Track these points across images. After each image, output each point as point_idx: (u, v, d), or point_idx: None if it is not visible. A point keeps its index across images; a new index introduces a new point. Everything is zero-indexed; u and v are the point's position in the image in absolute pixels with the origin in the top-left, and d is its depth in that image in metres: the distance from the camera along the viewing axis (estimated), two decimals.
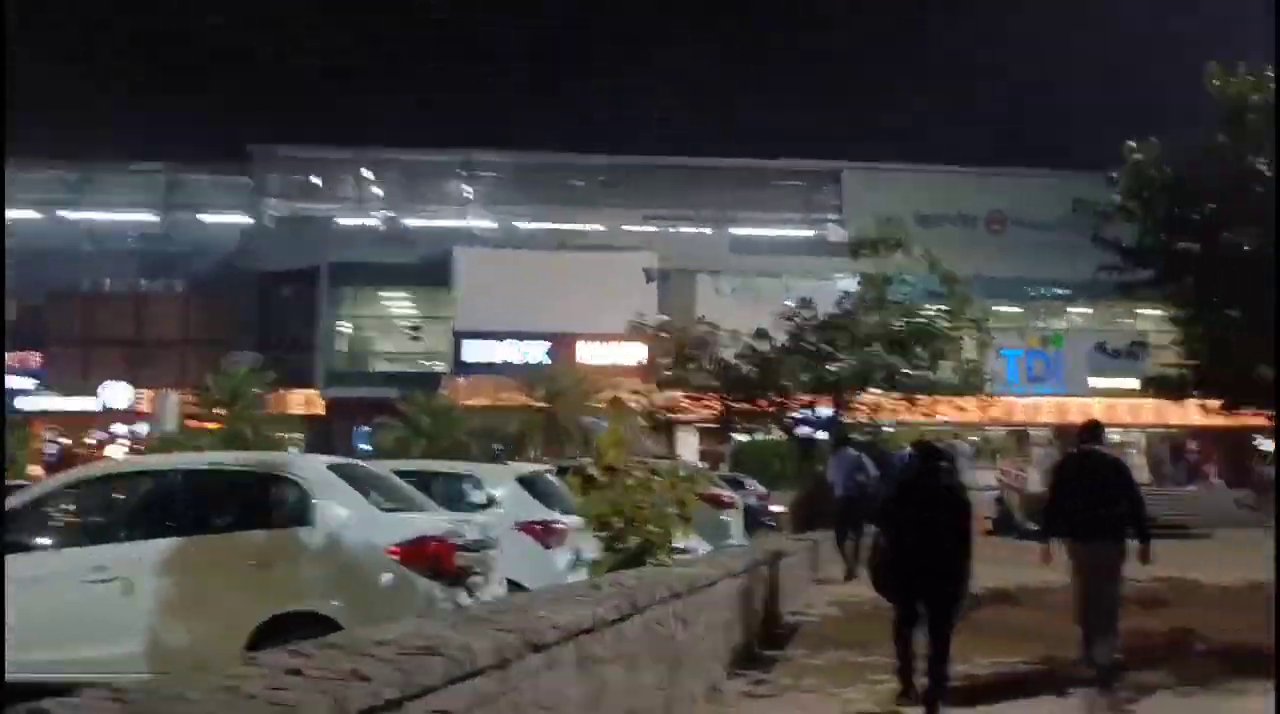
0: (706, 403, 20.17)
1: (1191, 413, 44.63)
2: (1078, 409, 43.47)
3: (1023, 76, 67.81)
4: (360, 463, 8.50)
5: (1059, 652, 9.13)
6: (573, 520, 8.62)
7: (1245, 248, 12.53)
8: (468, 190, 47.14)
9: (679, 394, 19.88)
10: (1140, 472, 40.73)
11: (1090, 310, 46.69)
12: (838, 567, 15.77)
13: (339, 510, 6.78)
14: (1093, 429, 9.09)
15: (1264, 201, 12.21)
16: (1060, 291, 44.69)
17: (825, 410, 20.15)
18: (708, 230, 47.97)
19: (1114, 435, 45.84)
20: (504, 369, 39.90)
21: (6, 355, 34.47)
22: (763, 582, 9.96)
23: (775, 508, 28.19)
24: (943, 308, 19.24)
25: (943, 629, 7.02)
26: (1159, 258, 14.10)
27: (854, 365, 18.98)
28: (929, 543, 7.07)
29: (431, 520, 7.25)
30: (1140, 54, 65.51)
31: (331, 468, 7.27)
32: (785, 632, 10.37)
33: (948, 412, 40.71)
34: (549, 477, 10.44)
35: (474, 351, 41.32)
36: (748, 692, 7.55)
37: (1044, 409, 42.38)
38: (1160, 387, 15.09)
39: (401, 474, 8.67)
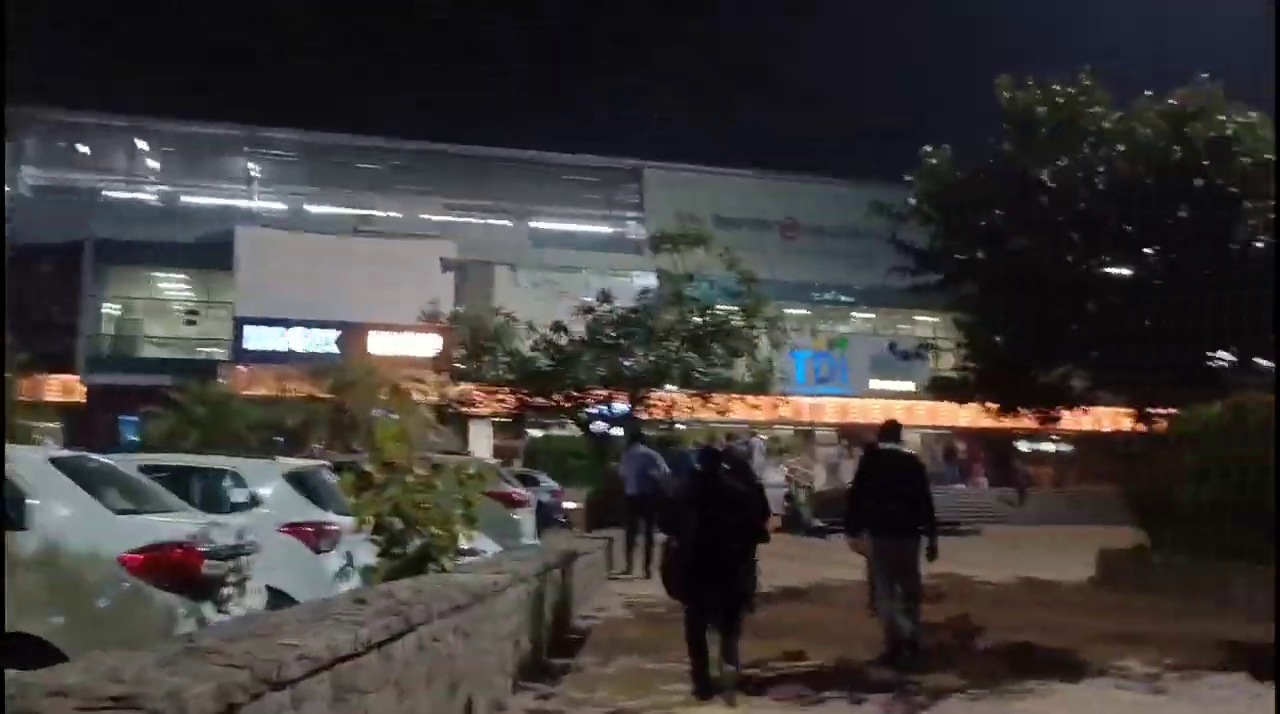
0: (501, 397, 19.43)
1: (961, 415, 47.41)
2: (859, 410, 45.27)
3: (823, 86, 70.02)
4: (94, 456, 7.36)
5: (853, 650, 9.02)
6: (348, 522, 7.78)
7: (1026, 255, 12.93)
8: (253, 168, 44.41)
9: (473, 388, 19.05)
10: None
11: (873, 315, 48.62)
12: (631, 566, 15.43)
13: (59, 511, 5.75)
14: (892, 428, 9.50)
15: (1046, 212, 12.69)
16: (846, 297, 46.41)
17: (622, 406, 19.78)
18: (508, 222, 47.11)
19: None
20: (290, 358, 37.78)
21: None
22: (554, 585, 9.39)
23: (569, 505, 27.78)
24: (739, 306, 19.20)
25: (732, 626, 7.24)
26: (948, 262, 14.42)
27: (651, 361, 18.68)
28: (716, 543, 7.22)
29: (174, 524, 6.29)
30: (944, 67, 68.91)
31: (54, 461, 6.19)
32: (577, 638, 9.84)
33: (741, 410, 41.66)
34: (323, 473, 9.47)
35: (257, 339, 39.04)
36: (534, 709, 6.95)
37: (829, 409, 43.74)
38: (943, 388, 15.47)
39: (151, 470, 7.63)
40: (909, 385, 46.58)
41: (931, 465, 38.46)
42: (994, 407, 15.97)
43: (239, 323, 38.91)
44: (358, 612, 4.65)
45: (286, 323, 39.04)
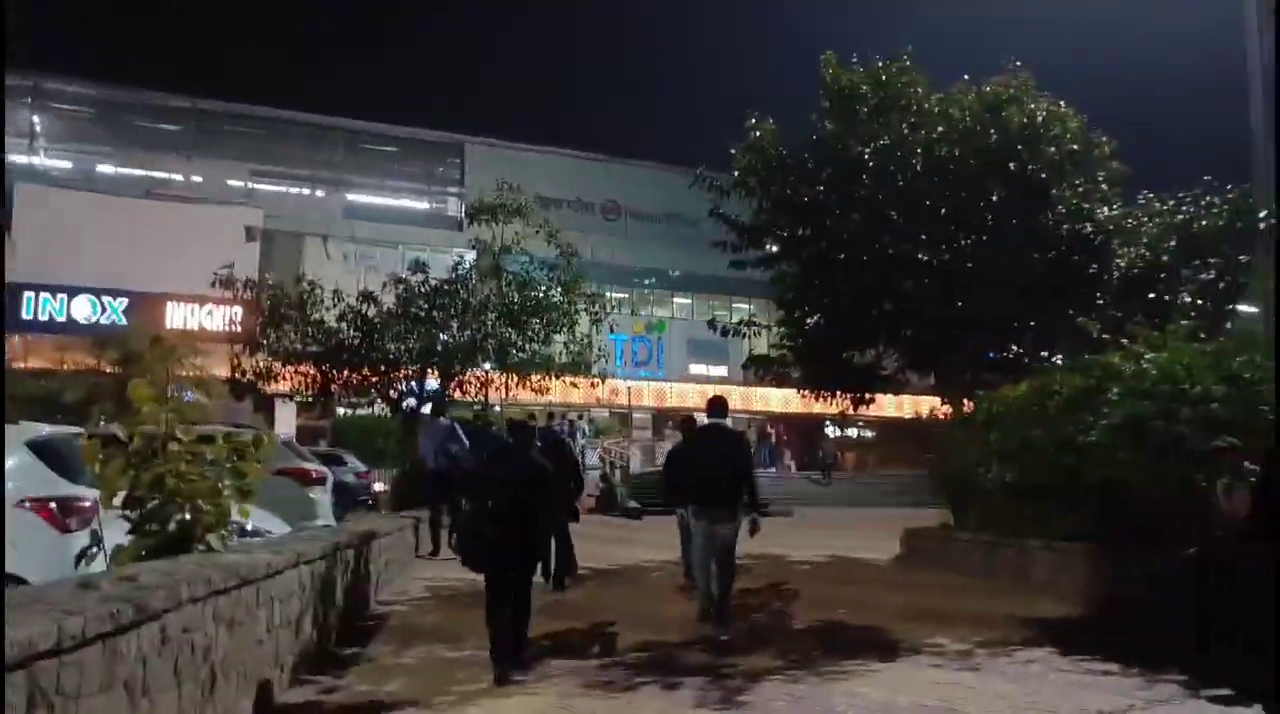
0: (304, 372, 18.16)
1: (772, 400, 48.55)
2: (676, 394, 45.56)
3: (652, 70, 70.17)
4: None
5: (668, 632, 8.62)
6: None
7: (846, 233, 12.84)
8: (35, 121, 40.71)
9: (270, 360, 17.71)
10: None
11: (691, 300, 48.97)
12: (437, 547, 14.68)
13: None
14: (719, 405, 9.31)
15: (867, 190, 12.63)
16: (665, 282, 46.50)
17: (434, 383, 18.85)
18: (320, 192, 44.97)
19: (704, 420, 48.68)
20: (76, 328, 34.99)
21: None
22: (348, 568, 8.58)
23: (377, 486, 26.58)
24: (558, 282, 18.56)
25: (523, 598, 7.34)
26: (770, 237, 14.23)
27: (465, 336, 17.83)
28: (520, 517, 7.14)
29: None
30: (781, 56, 70.00)
31: None
32: (373, 623, 9.05)
33: (559, 391, 41.08)
34: (78, 441, 8.26)
35: (37, 307, 35.92)
36: (312, 702, 6.18)
37: (646, 393, 43.74)
38: (759, 366, 15.28)
39: None
40: (724, 370, 47.32)
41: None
42: (808, 387, 15.91)
43: (16, 288, 35.64)
44: (78, 599, 3.83)
45: (72, 290, 36.11)
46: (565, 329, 18.73)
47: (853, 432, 49.60)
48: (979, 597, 10.70)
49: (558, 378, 19.60)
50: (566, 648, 8.07)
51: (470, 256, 19.05)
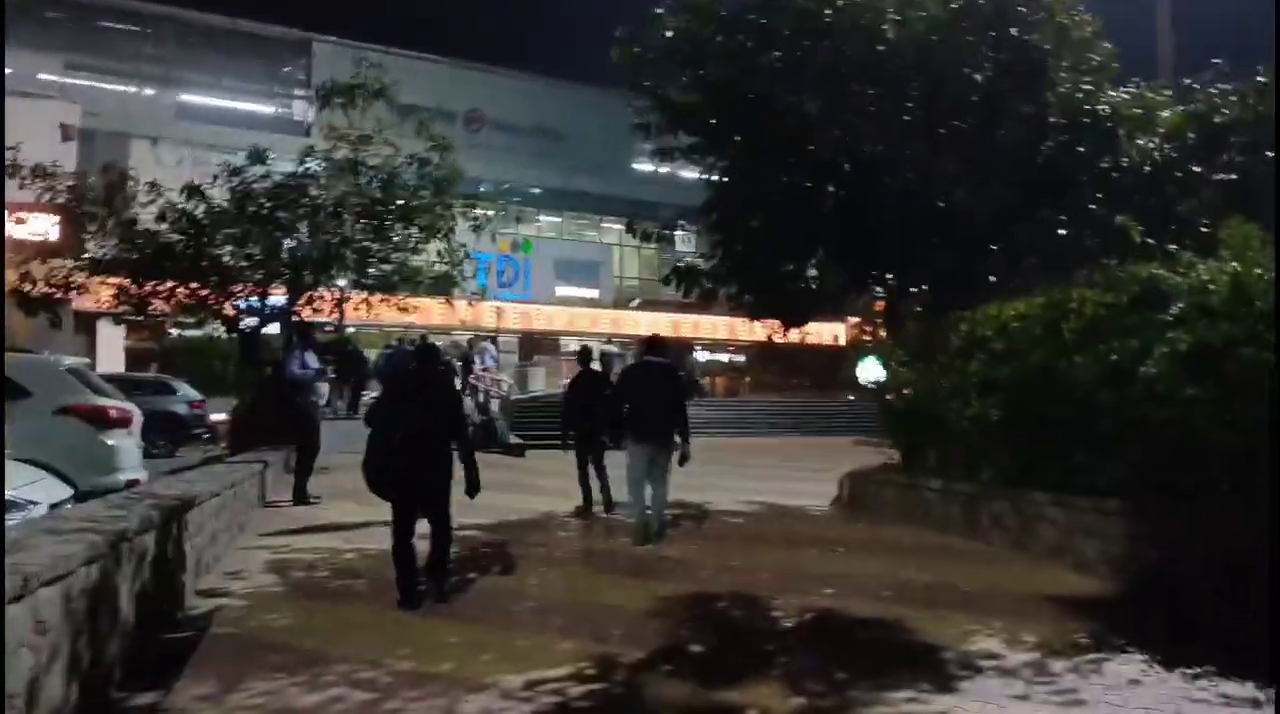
0: (120, 283, 14.57)
1: (642, 324, 46.20)
2: (544, 317, 42.67)
3: None
4: None
5: (616, 633, 6.01)
6: None
7: (809, 112, 10.23)
8: None
9: (68, 266, 14.01)
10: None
11: (559, 219, 45.93)
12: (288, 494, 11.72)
13: None
14: (657, 343, 10.22)
15: (829, 66, 10.05)
16: (531, 199, 43.27)
17: (279, 299, 15.53)
18: (149, 90, 39.70)
19: (570, 344, 46.06)
20: None
21: None
22: (142, 561, 5.62)
23: (216, 417, 23.04)
24: (430, 180, 15.38)
25: (442, 525, 7.07)
26: (704, 119, 11.47)
27: (320, 241, 14.58)
28: (422, 441, 6.84)
29: None
30: None
31: None
32: (188, 637, 6.10)
33: (422, 311, 37.61)
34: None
35: None
36: None
37: (511, 315, 40.74)
38: (684, 282, 12.59)
39: None
40: (594, 292, 44.61)
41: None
42: (741, 309, 13.25)
43: None
44: None
45: None
46: (440, 236, 15.60)
47: (724, 356, 47.91)
48: (977, 564, 8.48)
49: (430, 295, 16.52)
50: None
51: (322, 147, 15.60)
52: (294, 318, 12.97)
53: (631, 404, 9.58)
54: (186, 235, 14.41)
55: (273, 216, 14.53)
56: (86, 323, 31.78)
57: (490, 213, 16.30)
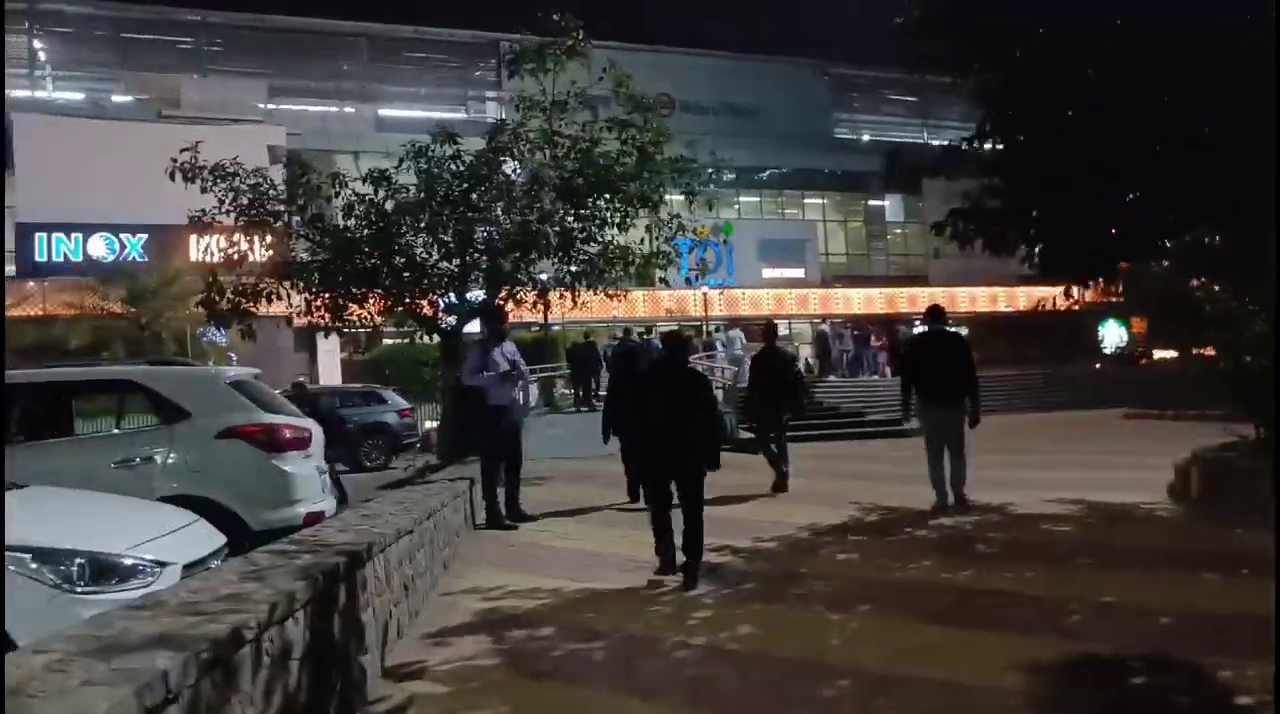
0: (313, 289, 13.12)
1: (855, 302, 43.02)
2: (750, 301, 40.23)
3: None
4: None
5: None
6: None
7: None
8: (36, 46, 35.78)
9: (254, 276, 12.64)
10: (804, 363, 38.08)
11: (757, 199, 43.42)
12: (497, 514, 9.82)
13: None
14: (937, 312, 10.21)
15: None
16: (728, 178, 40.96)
17: (478, 294, 13.81)
18: (348, 108, 39.80)
19: (783, 327, 43.41)
20: (97, 267, 30.54)
21: None
22: (297, 648, 3.64)
23: (429, 425, 21.98)
24: (633, 145, 13.24)
25: (696, 509, 7.11)
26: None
27: (515, 223, 12.69)
28: (678, 427, 7.06)
29: None
30: None
31: None
32: None
33: (627, 303, 35.99)
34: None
35: (48, 248, 31.54)
36: None
37: (717, 302, 38.53)
38: (960, 226, 9.80)
39: None
40: (799, 272, 41.84)
41: (841, 354, 33.92)
42: (1036, 257, 10.32)
43: (22, 229, 31.23)
44: None
45: (85, 228, 31.68)
46: (650, 208, 13.42)
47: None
48: None
49: (642, 277, 14.38)
50: None
51: (514, 118, 13.72)
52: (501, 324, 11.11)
53: (922, 370, 9.86)
54: (375, 228, 12.83)
55: (465, 199, 12.74)
56: (306, 339, 31.85)
57: (710, 173, 13.95)
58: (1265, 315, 9.05)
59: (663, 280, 14.52)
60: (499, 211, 12.96)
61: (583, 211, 13.35)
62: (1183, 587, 6.23)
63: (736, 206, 41.22)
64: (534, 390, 20.93)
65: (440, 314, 14.17)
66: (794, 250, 41.62)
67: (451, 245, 12.93)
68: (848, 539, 8.55)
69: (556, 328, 34.76)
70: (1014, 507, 9.51)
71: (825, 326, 35.21)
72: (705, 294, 34.89)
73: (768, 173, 42.56)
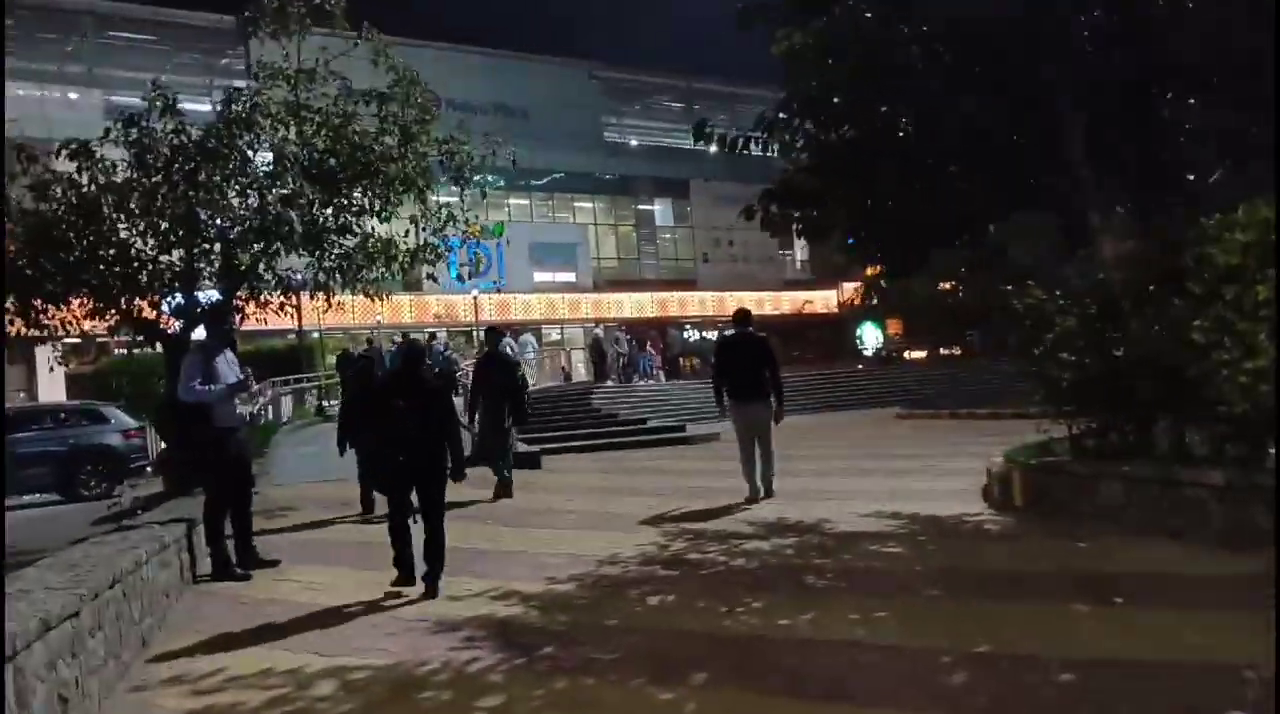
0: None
1: (627, 306, 42.31)
2: (522, 305, 38.72)
3: None
4: None
5: None
6: None
7: None
8: None
9: None
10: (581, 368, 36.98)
11: (528, 202, 41.95)
12: (223, 563, 7.77)
13: None
14: (743, 316, 10.60)
15: None
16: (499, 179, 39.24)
17: (212, 295, 11.57)
18: (74, 93, 35.20)
19: (552, 333, 42.14)
20: None
21: None
22: None
23: (162, 445, 18.98)
24: (394, 123, 11.41)
25: (436, 510, 7.00)
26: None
27: (251, 208, 10.57)
28: (413, 436, 6.95)
29: None
30: None
31: None
32: None
33: (392, 308, 33.49)
34: None
35: None
36: None
37: (488, 306, 36.81)
38: (773, 207, 8.64)
39: None
40: (571, 276, 40.68)
41: (616, 358, 32.90)
42: (849, 237, 9.31)
43: None
44: None
45: None
46: (413, 195, 11.62)
47: (713, 334, 44.11)
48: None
49: (406, 272, 12.53)
50: None
51: (250, 87, 11.56)
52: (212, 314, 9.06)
53: (729, 371, 10.34)
54: (75, 212, 10.38)
55: (189, 178, 10.49)
56: (25, 348, 27.61)
57: (474, 164, 12.22)
58: (1078, 312, 8.40)
59: (430, 277, 12.71)
60: (232, 195, 10.79)
61: (337, 198, 11.38)
62: (1058, 624, 5.21)
63: (507, 209, 39.60)
64: (280, 405, 18.54)
65: (166, 318, 11.78)
66: (565, 254, 40.49)
67: (174, 235, 10.64)
68: (657, 573, 7.17)
69: (315, 335, 32.00)
70: (831, 525, 8.46)
71: (599, 331, 34.23)
72: (475, 298, 33.11)
73: (546, 179, 41.21)
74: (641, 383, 29.99)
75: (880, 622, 5.47)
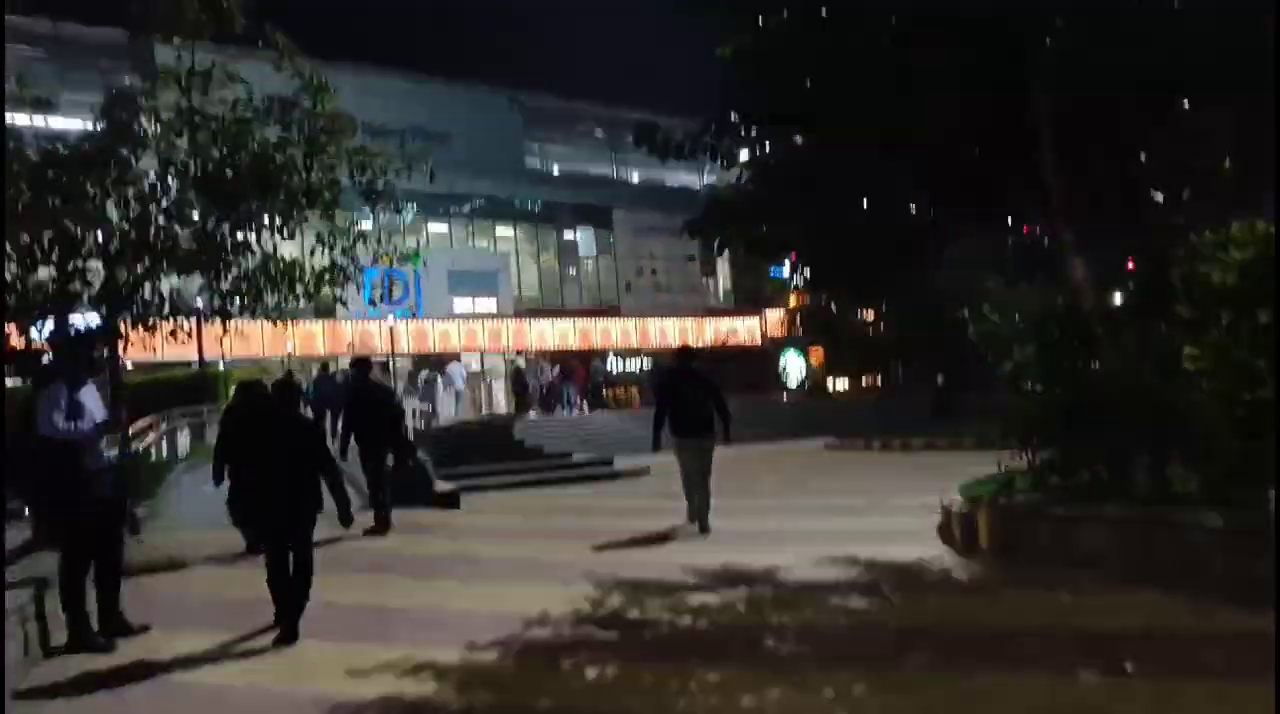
0: None
1: (548, 335, 41.28)
2: (440, 334, 37.44)
3: None
4: None
5: None
6: None
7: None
8: None
9: None
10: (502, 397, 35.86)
11: (446, 228, 40.72)
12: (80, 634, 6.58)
13: None
14: (688, 352, 11.20)
15: None
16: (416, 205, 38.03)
17: (91, 319, 10.32)
18: None
19: (472, 363, 40.86)
20: None
21: None
22: None
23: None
24: (299, 131, 10.30)
25: (304, 562, 6.58)
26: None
27: (132, 220, 9.38)
28: (289, 477, 6.54)
29: None
30: None
31: None
32: None
33: (304, 337, 31.86)
34: None
35: None
36: None
37: (404, 335, 35.45)
38: (716, 228, 7.85)
39: None
40: (492, 304, 39.50)
41: (540, 389, 31.86)
42: (803, 262, 8.54)
43: None
44: None
45: None
46: (322, 210, 10.55)
47: (635, 364, 43.29)
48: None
49: (313, 297, 11.41)
50: None
51: (134, 87, 10.39)
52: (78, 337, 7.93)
53: (677, 405, 10.21)
54: None
55: (63, 188, 9.28)
56: None
57: (397, 166, 11.22)
58: (1042, 338, 7.76)
59: (340, 300, 11.63)
60: (111, 207, 9.60)
61: (233, 213, 10.26)
62: (1071, 702, 4.44)
63: (425, 234, 38.36)
64: (177, 441, 17.10)
65: (40, 345, 10.50)
66: (486, 282, 39.29)
67: (40, 251, 9.40)
68: (594, 636, 6.23)
69: (222, 366, 30.31)
70: (783, 573, 7.62)
71: (521, 361, 33.21)
72: (391, 327, 31.80)
73: (466, 205, 40.14)
74: (565, 414, 29.00)
75: (862, 703, 4.62)
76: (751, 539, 9.29)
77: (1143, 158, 6.89)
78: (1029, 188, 7.11)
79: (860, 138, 6.94)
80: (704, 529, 9.93)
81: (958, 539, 8.19)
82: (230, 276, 10.70)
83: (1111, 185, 6.93)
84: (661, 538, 9.89)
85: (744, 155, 7.78)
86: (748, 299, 44.33)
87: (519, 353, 37.34)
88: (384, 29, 57.72)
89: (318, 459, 6.69)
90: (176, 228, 9.52)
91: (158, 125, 10.00)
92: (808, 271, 8.53)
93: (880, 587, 6.96)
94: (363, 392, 11.48)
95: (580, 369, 32.77)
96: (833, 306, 38.07)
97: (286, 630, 6.31)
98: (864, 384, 41.37)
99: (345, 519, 6.84)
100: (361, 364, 11.98)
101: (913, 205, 7.49)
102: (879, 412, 30.28)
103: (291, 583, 6.49)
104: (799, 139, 7.59)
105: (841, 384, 42.53)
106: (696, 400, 10.11)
